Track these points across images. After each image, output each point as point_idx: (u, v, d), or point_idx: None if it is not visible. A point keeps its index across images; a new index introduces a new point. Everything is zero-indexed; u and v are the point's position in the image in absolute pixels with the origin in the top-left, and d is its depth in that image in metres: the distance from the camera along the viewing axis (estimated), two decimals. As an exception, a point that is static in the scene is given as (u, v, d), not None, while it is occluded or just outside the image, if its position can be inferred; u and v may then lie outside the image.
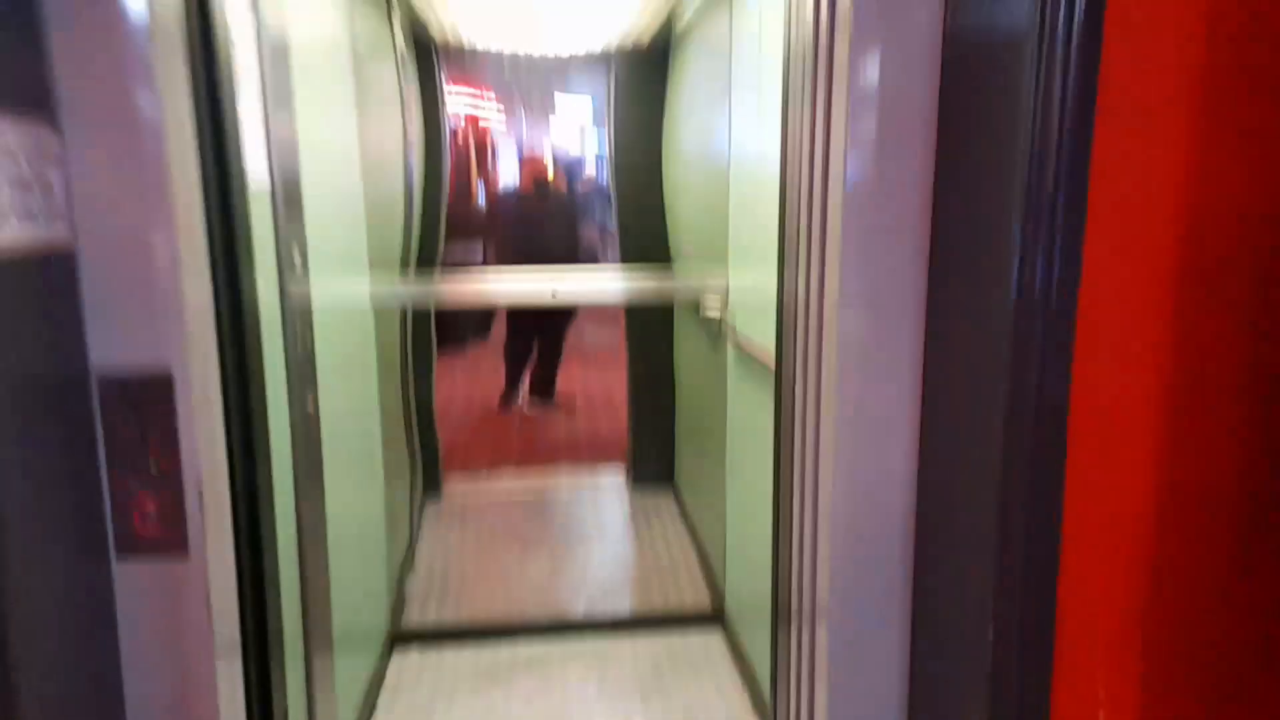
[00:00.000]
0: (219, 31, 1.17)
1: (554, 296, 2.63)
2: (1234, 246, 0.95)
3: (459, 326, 4.79)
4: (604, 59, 3.86)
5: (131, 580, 1.08)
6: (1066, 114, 0.95)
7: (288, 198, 1.59)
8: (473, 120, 4.75)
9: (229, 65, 1.20)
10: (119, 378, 1.04)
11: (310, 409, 1.74)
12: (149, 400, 1.04)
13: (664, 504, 3.83)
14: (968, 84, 1.10)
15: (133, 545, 1.07)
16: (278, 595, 1.35)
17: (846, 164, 1.17)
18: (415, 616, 2.81)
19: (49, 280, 0.98)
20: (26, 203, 0.93)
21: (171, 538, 1.07)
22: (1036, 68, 0.96)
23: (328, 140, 2.14)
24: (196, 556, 1.08)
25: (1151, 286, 0.94)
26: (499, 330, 5.58)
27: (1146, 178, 0.95)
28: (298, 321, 1.65)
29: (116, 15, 0.98)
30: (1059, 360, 0.99)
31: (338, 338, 2.16)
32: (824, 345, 1.31)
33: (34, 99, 0.96)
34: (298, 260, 1.69)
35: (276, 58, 1.50)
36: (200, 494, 1.07)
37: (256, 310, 1.30)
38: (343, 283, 2.27)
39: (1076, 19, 0.95)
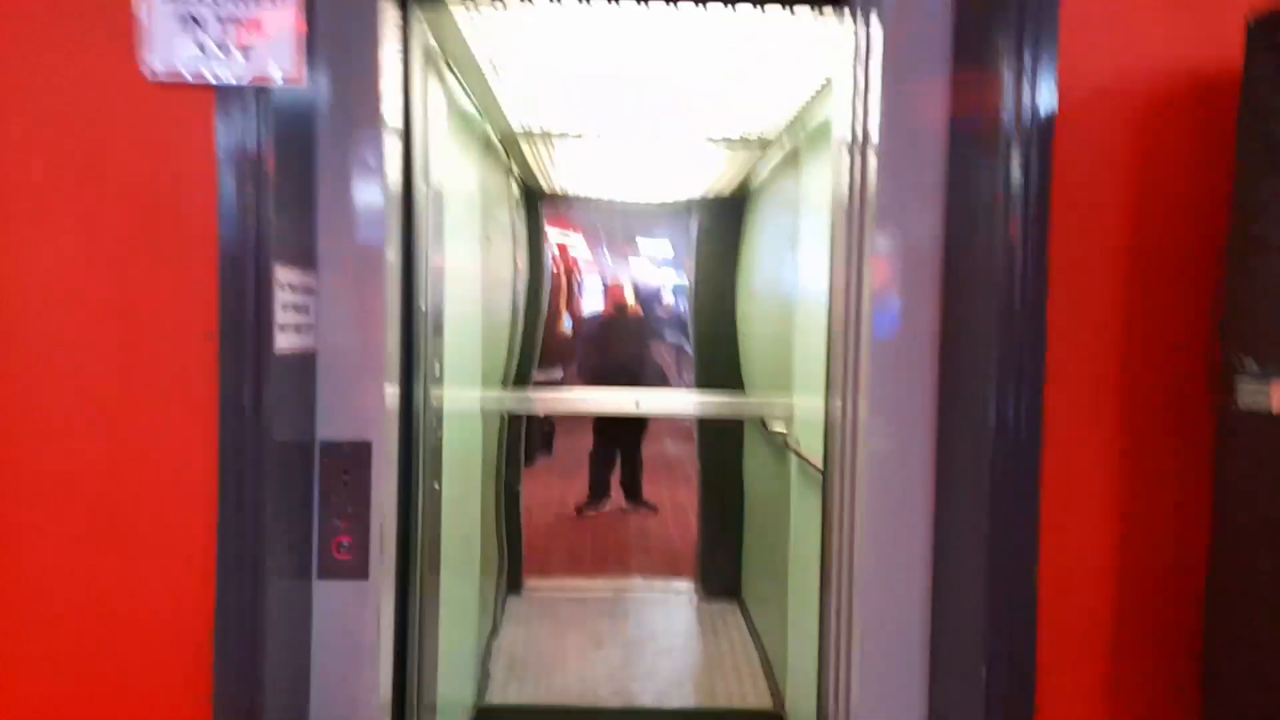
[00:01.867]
0: (416, 204, 1.65)
1: (637, 405, 3.02)
2: (1169, 382, 1.32)
3: (529, 444, 5.22)
4: (689, 207, 4.39)
5: (326, 596, 1.46)
6: (1028, 283, 1.32)
7: (435, 322, 2.04)
8: (567, 254, 5.34)
9: (424, 229, 1.67)
10: (335, 444, 1.45)
11: (436, 487, 2.14)
12: (354, 463, 1.45)
13: (730, 614, 4.05)
14: (963, 253, 1.47)
15: (330, 569, 1.46)
16: (419, 614, 1.72)
17: (874, 316, 1.54)
18: (498, 696, 3.09)
19: (301, 374, 1.41)
20: (297, 322, 1.37)
21: (357, 564, 1.46)
22: (999, 244, 1.34)
23: (462, 273, 2.63)
24: (373, 579, 1.46)
25: (1103, 417, 1.30)
26: (567, 444, 6.07)
27: (1092, 327, 1.33)
28: (433, 420, 2.08)
29: (364, 197, 1.45)
30: (1028, 471, 1.33)
31: (455, 438, 2.58)
32: (857, 455, 1.64)
33: (304, 252, 1.42)
34: (437, 371, 2.13)
35: (436, 209, 1.97)
36: (381, 534, 1.46)
37: (422, 398, 1.72)
38: (462, 392, 2.71)
39: (1030, 198, 1.33)
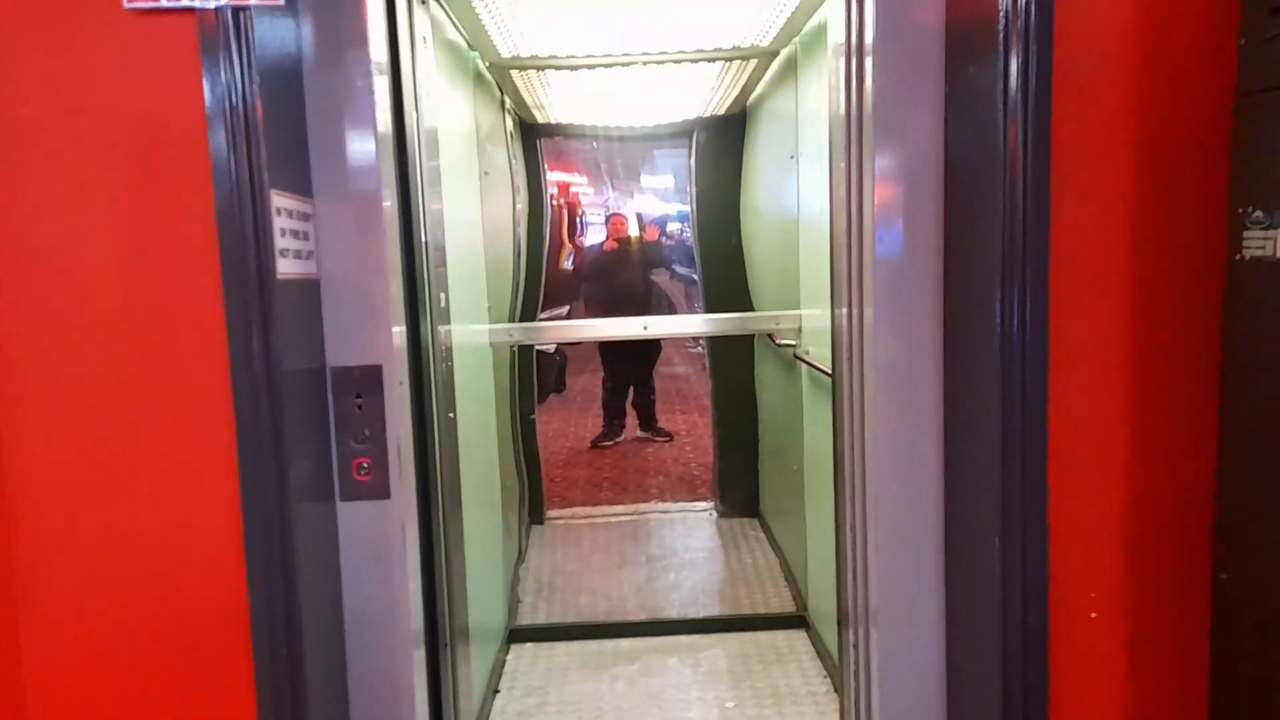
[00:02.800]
0: (408, 133, 1.65)
1: (645, 329, 3.04)
2: (1173, 289, 1.38)
3: (541, 382, 5.26)
4: (688, 129, 4.33)
5: (350, 517, 1.51)
6: (1029, 193, 1.32)
7: (437, 256, 2.05)
8: (565, 188, 5.30)
9: (416, 160, 1.67)
10: (346, 369, 1.48)
11: (451, 416, 2.18)
12: (366, 386, 1.48)
13: (750, 529, 4.14)
14: (965, 150, 1.46)
15: (352, 491, 1.50)
16: (442, 536, 1.77)
17: (876, 225, 1.53)
18: (528, 618, 3.20)
19: (306, 300, 1.43)
20: (296, 247, 1.39)
21: (378, 484, 1.50)
22: (1005, 167, 1.32)
23: (461, 211, 2.63)
24: (395, 497, 1.50)
25: (1106, 317, 1.35)
26: (578, 383, 6.14)
27: (1094, 237, 1.34)
28: (442, 349, 2.10)
29: (354, 125, 1.44)
30: (1035, 372, 1.36)
31: (466, 370, 2.61)
32: (865, 362, 1.65)
33: (299, 180, 1.42)
34: (443, 302, 2.15)
35: (430, 149, 1.97)
36: (399, 452, 1.50)
37: (429, 331, 1.74)
38: (469, 327, 2.73)
39: (1031, 90, 1.32)
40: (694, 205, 4.41)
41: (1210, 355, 1.40)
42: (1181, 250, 1.40)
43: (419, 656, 1.62)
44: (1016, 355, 1.36)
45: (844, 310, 1.75)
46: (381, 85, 1.52)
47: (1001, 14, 1.31)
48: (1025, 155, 1.33)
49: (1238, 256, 1.28)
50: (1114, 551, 1.45)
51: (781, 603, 3.27)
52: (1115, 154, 1.39)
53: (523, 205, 4.15)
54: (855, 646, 1.77)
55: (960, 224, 1.48)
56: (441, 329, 2.07)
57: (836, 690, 2.60)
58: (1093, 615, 1.45)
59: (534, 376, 4.35)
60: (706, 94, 3.75)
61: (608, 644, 3.00)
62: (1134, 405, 1.43)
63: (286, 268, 1.35)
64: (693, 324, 3.62)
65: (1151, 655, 1.47)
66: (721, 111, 4.12)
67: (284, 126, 1.38)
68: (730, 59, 3.13)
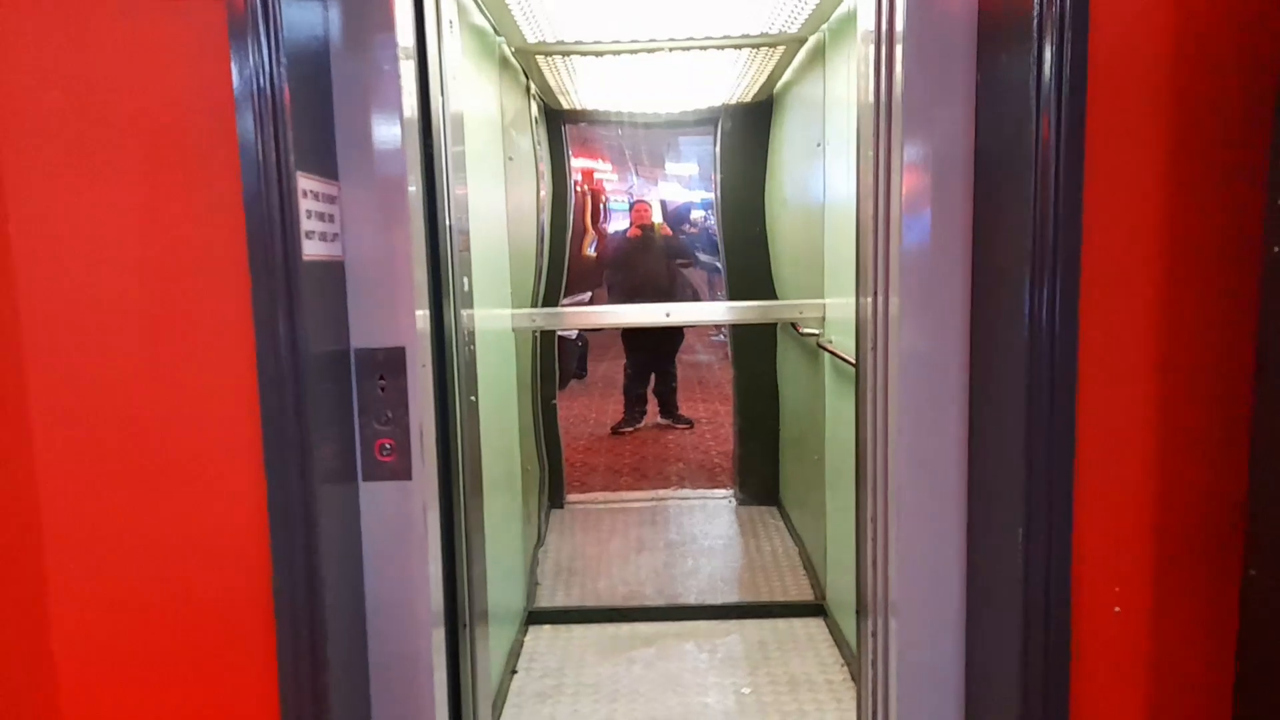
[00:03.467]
0: (434, 117, 1.65)
1: (668, 316, 3.04)
2: (1206, 283, 1.35)
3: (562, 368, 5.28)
4: (714, 116, 4.31)
5: (372, 498, 1.52)
6: (1061, 185, 1.29)
7: (461, 241, 2.06)
8: (589, 174, 5.29)
9: (442, 144, 1.68)
10: (370, 351, 1.49)
11: (473, 399, 2.19)
12: (389, 368, 1.49)
13: (769, 517, 4.14)
14: (996, 141, 1.44)
15: (374, 472, 1.51)
16: (463, 518, 1.78)
17: (904, 215, 1.52)
18: (546, 600, 3.22)
19: (331, 282, 1.44)
20: (321, 229, 1.40)
21: (400, 466, 1.51)
22: (1037, 157, 1.30)
23: (485, 196, 2.63)
24: (417, 479, 1.51)
25: (1137, 310, 1.35)
26: (600, 367, 6.15)
27: (1126, 230, 1.31)
28: (465, 333, 2.11)
29: (380, 109, 1.45)
30: (1065, 369, 1.33)
31: (488, 355, 2.62)
32: (889, 351, 1.64)
33: (325, 163, 1.43)
34: (466, 286, 2.16)
35: (455, 133, 1.97)
36: (421, 434, 1.51)
37: (453, 314, 1.75)
38: (492, 312, 2.74)
39: (1066, 82, 1.29)
40: (718, 193, 4.39)
41: (1243, 350, 1.37)
42: (1216, 243, 1.38)
43: (439, 636, 1.64)
44: (1045, 348, 1.35)
45: (869, 300, 1.74)
46: (408, 69, 1.52)
47: (1036, 1, 1.29)
48: (1058, 146, 1.30)
49: (1276, 249, 1.26)
50: (1140, 546, 1.44)
51: (800, 591, 3.28)
52: (1149, 145, 1.37)
53: (546, 191, 4.15)
54: (873, 636, 1.76)
55: (990, 214, 1.46)
56: (464, 313, 2.08)
57: (854, 679, 2.60)
58: (1116, 610, 1.44)
59: (556, 362, 4.36)
60: (733, 81, 3.73)
61: (625, 628, 3.02)
62: (1164, 399, 1.41)
63: (312, 249, 1.36)
64: (715, 312, 3.62)
65: (1176, 652, 1.45)
66: (748, 99, 4.09)
67: (311, 109, 1.39)
68: (758, 46, 3.11)
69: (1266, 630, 1.33)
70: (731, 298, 4.30)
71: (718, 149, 4.34)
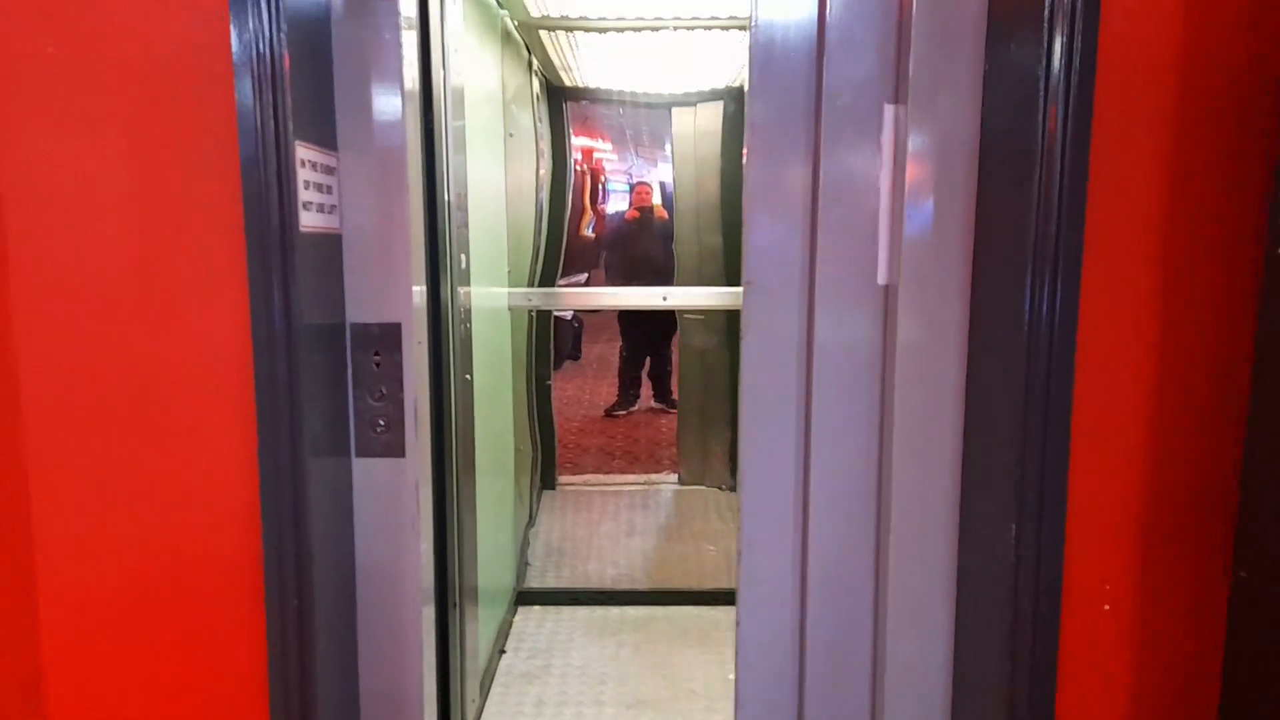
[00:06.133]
0: (435, 89, 1.63)
1: (665, 300, 3.02)
2: (1206, 282, 1.33)
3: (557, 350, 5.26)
4: (715, 96, 4.27)
5: (365, 473, 1.51)
6: (1066, 178, 1.28)
7: (459, 217, 2.04)
8: (589, 153, 5.26)
9: (442, 118, 1.65)
10: (365, 326, 1.48)
11: (468, 378, 2.18)
12: (384, 344, 1.48)
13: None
14: (1001, 136, 1.42)
15: (367, 447, 1.50)
16: (455, 496, 1.78)
17: (906, 205, 1.50)
18: (536, 581, 3.22)
19: (327, 255, 1.43)
20: (319, 200, 1.38)
21: (393, 442, 1.50)
22: (1043, 149, 1.29)
23: (484, 172, 2.61)
24: (410, 456, 1.50)
25: (1136, 307, 1.34)
26: (595, 349, 6.14)
27: (1128, 225, 1.30)
28: (461, 310, 2.10)
29: (381, 79, 1.43)
30: (1063, 365, 1.32)
31: (484, 334, 2.61)
32: (887, 344, 1.62)
33: (324, 133, 1.41)
34: (464, 264, 2.14)
35: (456, 107, 1.95)
36: (415, 411, 1.50)
37: (449, 291, 1.74)
38: (489, 290, 2.73)
39: (1072, 106, 1.28)
40: (720, 176, 4.36)
41: (1240, 350, 1.37)
42: (1218, 242, 1.37)
43: (428, 614, 1.64)
44: (1044, 341, 1.34)
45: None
46: (410, 39, 1.49)
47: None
48: (1064, 138, 1.29)
49: (1278, 251, 1.25)
50: (1132, 544, 1.44)
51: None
52: (1154, 140, 1.35)
53: (546, 169, 4.11)
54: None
55: (993, 205, 1.45)
56: (461, 290, 2.07)
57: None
58: (1106, 607, 1.44)
59: (551, 342, 4.35)
60: (738, 63, 3.70)
61: (614, 610, 3.03)
62: (1160, 397, 1.41)
63: (309, 221, 1.34)
64: (712, 296, 3.60)
65: (1163, 651, 1.46)
66: (751, 81, 4.06)
67: (310, 78, 1.36)
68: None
69: (1255, 632, 1.34)
70: (729, 282, 4.28)
71: (721, 131, 4.31)
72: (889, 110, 1.51)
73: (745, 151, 1.56)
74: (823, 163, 1.53)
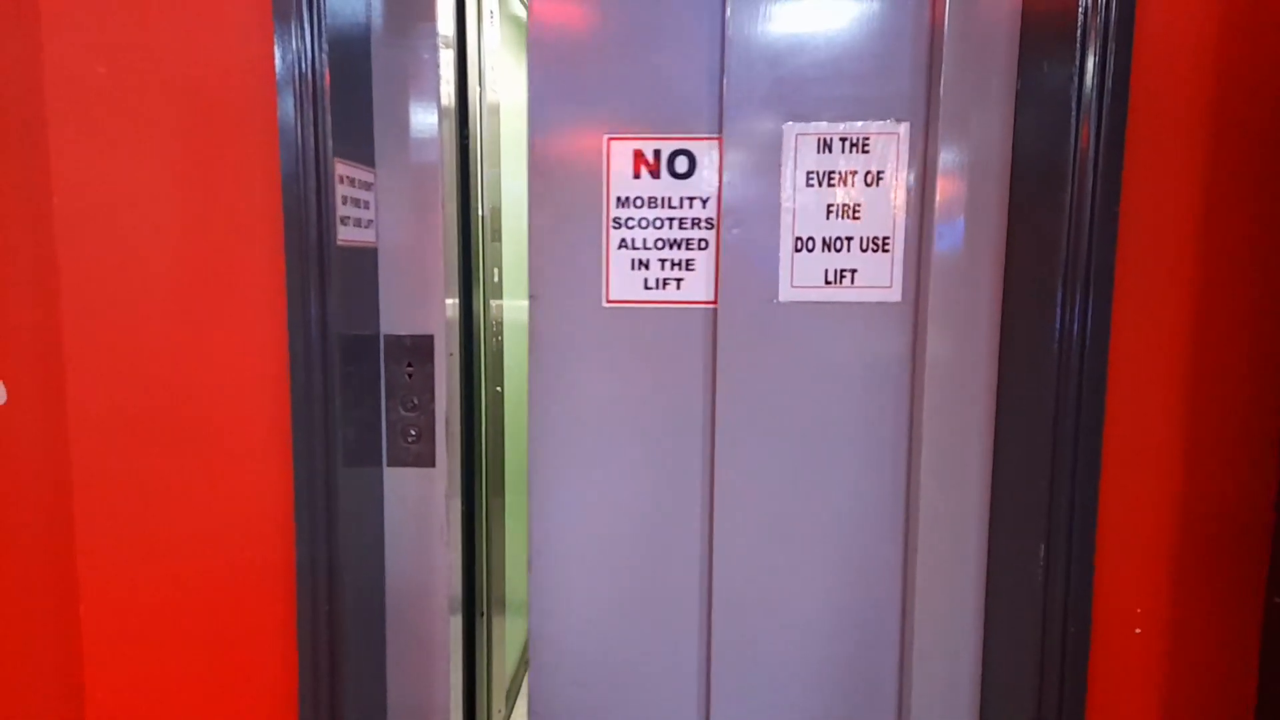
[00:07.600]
0: (471, 107, 1.66)
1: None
2: (1238, 301, 1.33)
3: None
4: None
5: (396, 483, 1.54)
6: (1098, 195, 1.28)
7: (493, 231, 2.07)
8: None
9: (477, 134, 1.69)
10: (398, 337, 1.51)
11: (499, 390, 2.20)
12: (417, 355, 1.51)
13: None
14: (1031, 168, 1.42)
15: (399, 457, 1.53)
16: (484, 506, 1.80)
17: (936, 228, 1.50)
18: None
19: (363, 268, 1.46)
20: (356, 215, 1.41)
21: (424, 452, 1.52)
22: (1075, 167, 1.29)
23: (518, 187, 2.64)
24: (440, 466, 1.52)
25: (1169, 325, 1.33)
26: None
27: (1161, 243, 1.29)
28: (493, 324, 2.13)
29: (418, 97, 1.46)
30: (1094, 385, 1.31)
31: (515, 345, 2.63)
32: (916, 361, 1.62)
33: (362, 149, 1.45)
34: (496, 277, 2.17)
35: (491, 124, 1.98)
36: (446, 422, 1.52)
37: (482, 304, 1.76)
38: (521, 303, 2.75)
39: (1105, 123, 1.28)
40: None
41: (1276, 370, 1.35)
42: (1250, 259, 1.35)
43: (456, 624, 1.66)
44: (1075, 360, 1.33)
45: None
46: (447, 59, 1.53)
47: (1080, 10, 1.27)
48: (1097, 155, 1.29)
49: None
50: (1164, 566, 1.41)
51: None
52: (1187, 157, 1.34)
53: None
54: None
55: (1024, 223, 1.44)
56: (494, 303, 2.10)
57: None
58: (1137, 631, 1.42)
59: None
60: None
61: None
62: (1193, 418, 1.39)
63: (346, 235, 1.37)
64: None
65: (1196, 677, 1.43)
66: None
67: (350, 96, 1.40)
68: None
69: (1293, 658, 1.31)
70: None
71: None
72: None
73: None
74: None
